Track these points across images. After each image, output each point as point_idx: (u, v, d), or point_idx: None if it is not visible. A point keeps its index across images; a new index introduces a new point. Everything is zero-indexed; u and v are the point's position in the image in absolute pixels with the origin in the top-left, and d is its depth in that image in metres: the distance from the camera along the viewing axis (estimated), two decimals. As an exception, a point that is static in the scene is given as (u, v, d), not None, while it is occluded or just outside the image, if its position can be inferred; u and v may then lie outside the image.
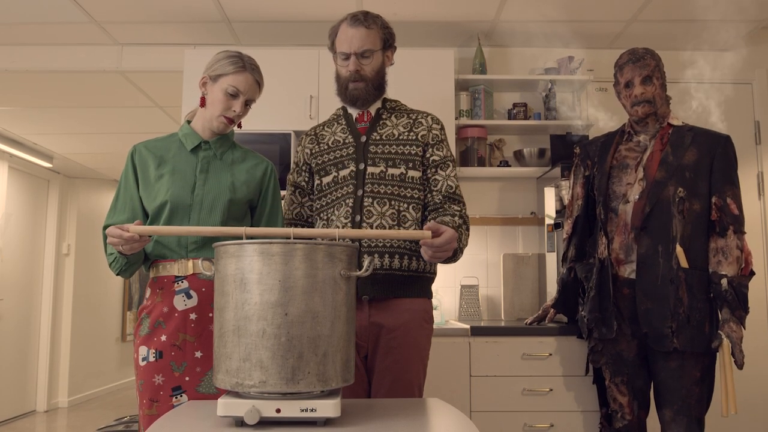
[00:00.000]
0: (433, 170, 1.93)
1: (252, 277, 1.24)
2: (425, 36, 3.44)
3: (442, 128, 2.00)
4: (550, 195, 3.05)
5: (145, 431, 1.74)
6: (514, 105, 3.41)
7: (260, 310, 1.23)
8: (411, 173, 1.91)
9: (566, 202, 2.70)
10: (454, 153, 2.03)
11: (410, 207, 1.89)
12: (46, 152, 5.64)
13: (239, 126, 1.92)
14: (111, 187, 7.08)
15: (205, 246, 1.82)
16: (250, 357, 1.22)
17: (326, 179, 1.96)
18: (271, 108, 3.11)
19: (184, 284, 1.80)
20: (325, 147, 1.99)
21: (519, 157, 3.36)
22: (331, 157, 1.96)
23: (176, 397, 1.76)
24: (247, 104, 1.90)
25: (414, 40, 3.45)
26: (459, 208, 1.90)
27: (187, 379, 1.77)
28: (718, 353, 2.21)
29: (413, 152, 1.92)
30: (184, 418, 1.36)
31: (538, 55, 3.50)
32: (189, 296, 1.80)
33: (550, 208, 3.05)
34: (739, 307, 2.18)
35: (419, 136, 1.94)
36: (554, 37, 3.39)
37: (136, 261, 1.84)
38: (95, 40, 3.50)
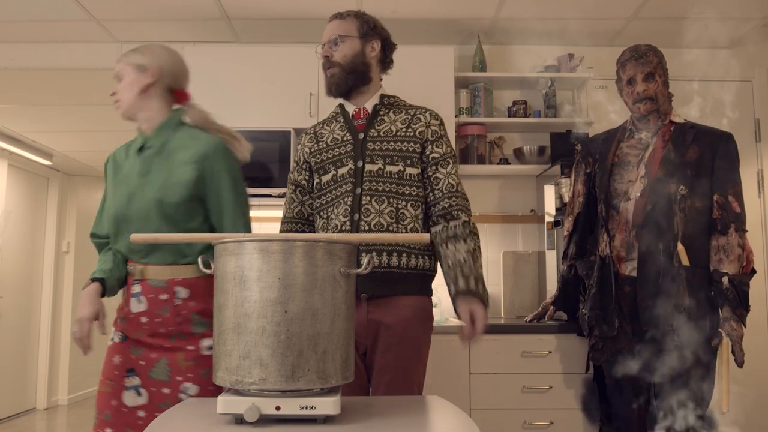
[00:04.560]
0: (434, 168, 1.92)
1: (251, 274, 1.23)
2: (425, 33, 3.43)
3: (442, 124, 1.97)
4: (549, 193, 3.05)
5: (96, 409, 1.80)
6: (514, 102, 3.41)
7: (260, 308, 1.22)
8: (409, 170, 1.90)
9: (566, 199, 2.70)
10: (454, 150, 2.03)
11: (409, 204, 1.88)
12: (45, 150, 5.63)
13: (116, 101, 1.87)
14: (111, 184, 7.08)
15: (152, 252, 1.80)
16: (249, 354, 1.22)
17: (325, 177, 1.95)
18: (271, 106, 3.11)
19: (138, 288, 1.82)
20: (324, 145, 1.98)
21: (519, 155, 3.35)
22: (330, 155, 1.96)
23: (128, 378, 1.79)
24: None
25: (414, 37, 3.45)
26: (466, 218, 1.89)
27: (141, 363, 1.79)
28: (718, 351, 2.21)
29: (411, 149, 1.91)
30: (184, 415, 1.36)
31: (538, 52, 3.49)
32: (140, 301, 1.81)
33: (550, 205, 3.05)
34: (740, 305, 2.18)
35: (417, 133, 1.92)
36: (554, 34, 3.39)
37: (115, 283, 1.86)
38: (95, 37, 3.50)
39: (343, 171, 1.92)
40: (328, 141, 1.98)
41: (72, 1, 3.06)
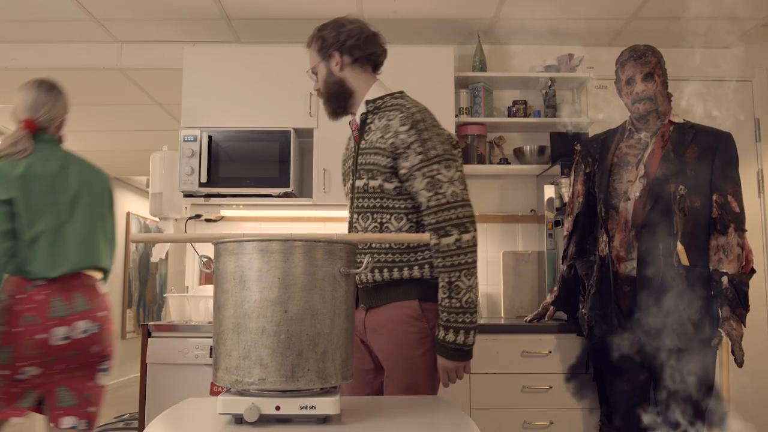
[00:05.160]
0: (408, 184, 1.77)
1: (251, 274, 1.24)
2: (425, 33, 3.43)
3: (413, 127, 1.76)
4: (549, 192, 3.05)
5: None
6: (514, 102, 3.41)
7: (260, 308, 1.22)
8: (386, 185, 1.79)
9: (566, 199, 2.70)
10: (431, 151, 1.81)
11: (392, 218, 1.80)
12: (45, 150, 5.63)
13: None
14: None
15: None
16: (249, 354, 1.22)
17: (345, 191, 2.02)
18: (271, 105, 3.11)
19: None
20: (344, 159, 2.03)
21: (519, 155, 3.36)
22: (343, 170, 2.01)
23: None
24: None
25: (413, 37, 3.45)
26: (436, 240, 1.73)
27: None
28: (718, 351, 2.21)
29: (383, 163, 1.78)
30: (184, 415, 1.37)
31: (538, 52, 3.49)
32: None
33: (550, 205, 3.05)
34: (740, 305, 2.18)
35: (388, 144, 1.77)
36: (554, 34, 3.39)
37: None
38: (95, 37, 3.50)
39: (347, 188, 1.95)
40: (345, 155, 2.02)
41: (72, 1, 3.06)
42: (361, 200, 1.84)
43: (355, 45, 1.86)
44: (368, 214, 1.82)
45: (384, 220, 1.81)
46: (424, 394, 1.78)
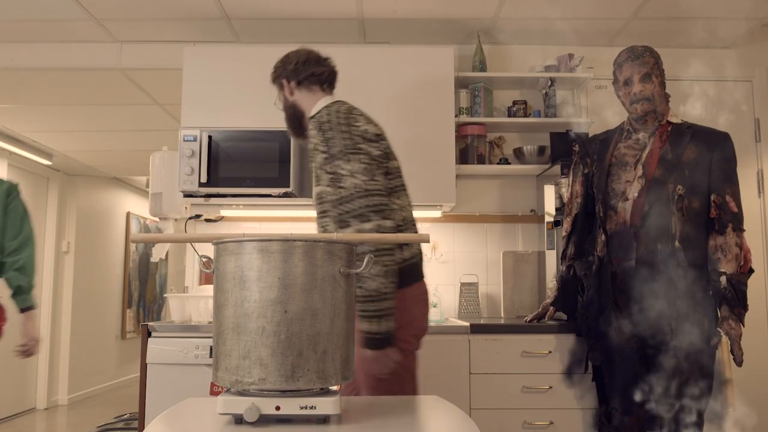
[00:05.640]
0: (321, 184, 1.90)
1: (251, 274, 1.24)
2: (425, 33, 3.43)
3: (319, 129, 1.88)
4: (549, 192, 3.05)
5: None
6: (514, 102, 3.41)
7: (260, 308, 1.22)
8: (317, 190, 1.89)
9: (566, 199, 2.70)
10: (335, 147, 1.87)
11: (330, 220, 1.85)
12: (45, 150, 5.63)
13: None
14: (111, 184, 7.08)
15: None
16: (249, 354, 1.22)
17: None
18: (271, 105, 3.09)
19: None
20: None
21: (519, 155, 3.36)
22: None
23: None
24: None
25: (413, 37, 3.45)
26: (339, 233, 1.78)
27: None
28: (717, 351, 2.21)
29: (310, 168, 1.93)
30: (184, 415, 1.37)
31: (538, 52, 3.50)
32: None
33: (550, 205, 3.05)
34: (738, 304, 2.19)
35: (310, 149, 1.91)
36: (554, 34, 3.39)
37: None
38: (95, 37, 3.50)
39: None
40: None
41: (72, 1, 3.06)
42: (316, 207, 1.92)
43: (295, 69, 2.02)
44: (320, 219, 1.90)
45: (325, 224, 1.87)
46: (368, 395, 1.79)
